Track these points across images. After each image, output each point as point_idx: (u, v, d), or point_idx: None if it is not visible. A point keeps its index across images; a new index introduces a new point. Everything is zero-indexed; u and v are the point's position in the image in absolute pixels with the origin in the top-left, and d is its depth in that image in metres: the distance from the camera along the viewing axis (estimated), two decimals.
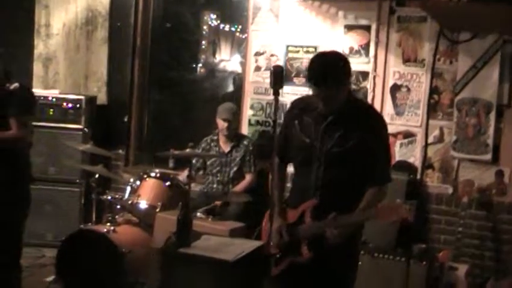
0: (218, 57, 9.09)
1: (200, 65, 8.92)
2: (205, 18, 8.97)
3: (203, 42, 9.07)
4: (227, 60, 9.05)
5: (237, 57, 9.13)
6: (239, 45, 9.13)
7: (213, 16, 8.95)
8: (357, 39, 5.44)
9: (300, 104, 3.38)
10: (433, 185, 5.20)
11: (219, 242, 3.06)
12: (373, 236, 4.97)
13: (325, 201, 3.11)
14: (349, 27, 5.47)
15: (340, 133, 3.10)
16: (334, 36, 5.49)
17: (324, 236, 3.04)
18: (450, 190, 5.15)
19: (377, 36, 5.36)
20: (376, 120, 3.27)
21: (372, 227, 5.00)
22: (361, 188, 3.18)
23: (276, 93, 2.96)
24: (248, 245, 2.99)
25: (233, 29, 8.99)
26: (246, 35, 6.09)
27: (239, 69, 8.95)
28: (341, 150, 3.10)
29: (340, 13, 5.48)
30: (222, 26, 8.97)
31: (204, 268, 2.78)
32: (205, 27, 8.98)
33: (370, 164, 3.13)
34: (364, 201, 3.13)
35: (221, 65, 9.09)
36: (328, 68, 3.03)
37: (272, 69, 2.98)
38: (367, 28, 5.40)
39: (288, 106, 3.55)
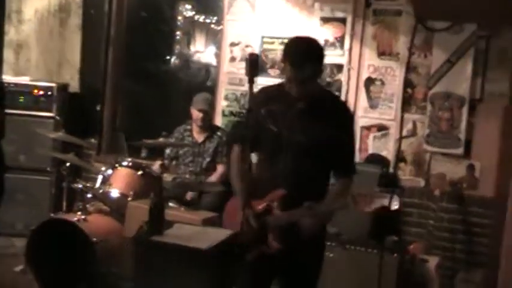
0: (193, 48, 9.03)
1: (175, 55, 8.85)
2: (180, 8, 8.90)
3: (178, 33, 8.99)
4: (202, 51, 8.99)
5: (212, 49, 9.07)
6: (214, 36, 9.08)
7: (188, 7, 8.88)
8: (333, 31, 5.44)
9: (267, 92, 3.32)
10: (406, 178, 5.22)
11: (192, 230, 3.04)
12: (345, 228, 4.99)
13: (292, 192, 3.05)
14: (325, 20, 5.47)
15: (309, 123, 3.07)
16: (309, 28, 5.48)
17: (292, 227, 3.01)
18: (422, 183, 5.19)
19: (352, 29, 5.37)
20: (344, 111, 3.29)
21: (345, 219, 5.06)
22: (326, 179, 3.21)
23: (251, 82, 2.93)
24: (221, 234, 2.97)
25: (208, 20, 8.92)
26: (221, 26, 6.07)
27: (213, 61, 8.90)
28: (310, 140, 3.07)
29: (316, 5, 5.48)
30: (197, 17, 8.91)
31: (177, 256, 2.75)
32: (180, 17, 8.90)
33: (338, 156, 3.13)
34: (335, 191, 3.14)
35: (196, 56, 9.03)
36: (311, 49, 3.03)
37: (247, 57, 2.95)
38: (343, 21, 5.40)
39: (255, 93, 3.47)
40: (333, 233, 4.96)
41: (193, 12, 8.91)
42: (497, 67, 4.95)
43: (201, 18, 8.99)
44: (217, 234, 2.96)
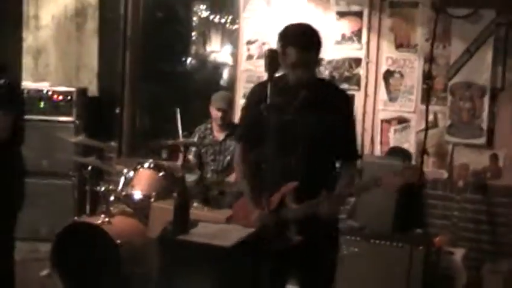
0: (209, 48, 9.05)
1: (191, 56, 8.87)
2: (195, 9, 8.92)
3: (193, 33, 9.02)
4: (217, 51, 9.01)
5: (228, 49, 9.09)
6: (229, 36, 9.08)
7: (203, 7, 8.90)
8: (349, 25, 5.42)
9: (264, 87, 3.21)
10: (428, 170, 5.17)
11: (217, 228, 3.03)
12: (369, 222, 4.97)
13: (304, 183, 3.03)
14: (341, 14, 5.44)
15: (313, 112, 3.06)
16: (326, 22, 5.45)
17: (310, 218, 2.99)
18: (445, 175, 5.14)
19: (369, 22, 5.34)
20: (343, 96, 3.31)
21: (368, 212, 5.05)
22: (333, 166, 3.24)
23: (270, 77, 2.93)
24: (245, 231, 2.96)
25: (223, 20, 8.94)
26: (236, 25, 6.07)
27: (229, 61, 8.91)
28: (317, 128, 3.06)
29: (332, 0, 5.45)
30: (212, 16, 8.92)
31: (201, 254, 2.75)
32: (195, 18, 8.93)
33: (342, 141, 3.17)
34: (346, 176, 3.15)
35: (212, 57, 9.05)
36: (314, 32, 3.05)
37: (266, 52, 2.94)
38: (359, 14, 5.37)
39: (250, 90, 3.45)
40: (357, 227, 4.95)
41: (208, 12, 8.93)
42: None
43: (216, 18, 9.02)
44: (242, 232, 2.95)
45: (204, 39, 9.05)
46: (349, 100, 3.35)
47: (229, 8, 8.00)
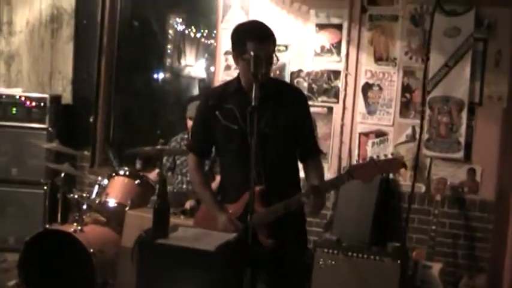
0: (183, 62, 9.00)
1: (165, 69, 8.83)
2: (171, 22, 8.89)
3: (169, 46, 8.98)
4: (192, 65, 8.97)
5: (202, 63, 9.06)
6: (204, 50, 9.06)
7: (179, 20, 8.87)
8: (329, 37, 5.40)
9: (215, 94, 3.26)
10: (406, 184, 5.16)
11: (197, 232, 2.95)
12: (345, 234, 4.94)
13: (269, 185, 3.03)
14: (321, 26, 5.42)
15: (268, 112, 3.01)
16: (305, 34, 5.44)
17: (279, 221, 2.99)
18: (423, 189, 5.12)
19: (349, 34, 5.33)
20: (298, 94, 3.33)
21: (344, 224, 5.01)
22: (295, 165, 3.24)
23: (256, 78, 2.88)
24: (226, 236, 2.88)
25: (198, 35, 8.92)
26: (211, 40, 6.01)
27: (204, 75, 8.88)
28: (273, 130, 3.04)
29: (312, 11, 5.44)
30: (187, 30, 8.90)
31: (183, 259, 2.66)
32: (170, 31, 8.90)
33: (302, 139, 3.19)
34: (314, 173, 3.16)
35: (186, 70, 9.01)
36: (268, 26, 3.09)
37: (252, 53, 2.90)
38: (339, 27, 5.36)
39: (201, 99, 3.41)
40: (334, 240, 4.90)
41: (184, 27, 8.89)
42: (495, 70, 4.91)
43: (192, 32, 8.98)
44: (222, 236, 2.87)
45: (179, 52, 9.01)
46: (304, 97, 3.34)
47: (205, 21, 7.98)
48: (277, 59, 3.12)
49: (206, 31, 8.52)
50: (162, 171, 4.63)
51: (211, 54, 7.92)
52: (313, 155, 3.24)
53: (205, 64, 8.99)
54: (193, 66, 9.01)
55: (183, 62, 9.01)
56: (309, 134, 3.26)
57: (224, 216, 3.12)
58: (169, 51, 9.01)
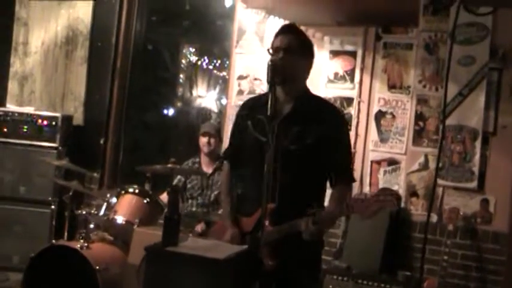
0: (195, 93, 9.06)
1: (177, 98, 8.88)
2: (185, 51, 8.97)
3: (181, 76, 9.05)
4: (203, 96, 9.02)
5: (213, 95, 9.11)
6: (216, 82, 9.12)
7: (192, 49, 8.94)
8: (342, 64, 5.41)
9: (250, 103, 3.23)
10: (418, 213, 5.08)
11: (207, 243, 2.89)
12: (356, 262, 4.85)
13: (283, 205, 2.86)
14: (335, 53, 5.43)
15: (298, 129, 2.94)
16: (319, 61, 5.42)
17: (288, 242, 2.86)
18: (435, 218, 5.04)
19: (362, 62, 5.33)
20: (335, 115, 3.15)
21: (354, 252, 4.93)
22: (319, 187, 3.06)
23: (273, 88, 2.86)
24: (236, 247, 2.82)
25: (211, 66, 8.99)
26: (223, 72, 6.03)
27: (214, 107, 8.91)
28: (299, 148, 2.93)
29: (326, 38, 5.45)
30: (200, 61, 8.96)
31: (192, 267, 2.60)
32: (183, 60, 8.97)
33: (331, 163, 3.00)
34: (334, 199, 2.99)
35: (197, 102, 9.06)
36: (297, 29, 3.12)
37: (269, 62, 2.89)
38: (353, 54, 5.37)
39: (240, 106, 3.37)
40: (344, 268, 4.82)
41: (197, 58, 8.96)
42: (509, 100, 4.87)
43: (204, 63, 9.05)
44: (233, 248, 2.81)
45: (191, 84, 9.07)
46: (343, 118, 3.22)
47: (218, 50, 8.03)
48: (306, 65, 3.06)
49: (219, 61, 8.58)
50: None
51: (222, 86, 7.97)
52: (341, 181, 3.05)
53: (217, 96, 9.04)
54: (205, 97, 9.06)
55: (194, 93, 9.07)
56: (339, 158, 3.06)
57: (230, 232, 3.06)
58: (181, 80, 9.07)
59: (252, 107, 3.13)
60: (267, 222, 2.88)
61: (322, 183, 3.10)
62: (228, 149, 3.33)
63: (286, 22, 3.20)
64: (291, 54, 2.99)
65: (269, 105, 2.83)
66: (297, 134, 2.94)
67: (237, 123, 3.23)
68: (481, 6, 3.73)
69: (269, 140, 2.85)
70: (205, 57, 8.79)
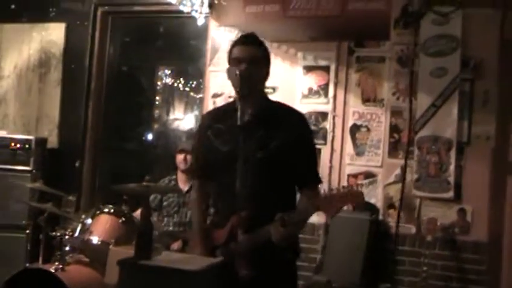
0: (172, 115, 9.02)
1: (154, 121, 8.82)
2: (160, 73, 8.94)
3: (157, 98, 9.01)
4: (181, 119, 8.98)
5: (191, 117, 9.08)
6: (193, 104, 9.10)
7: (168, 72, 8.92)
8: (316, 79, 5.43)
9: (211, 114, 3.22)
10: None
11: (182, 256, 2.86)
12: (336, 276, 4.82)
13: (255, 212, 2.81)
14: (309, 68, 5.46)
15: (261, 135, 2.89)
16: (293, 76, 5.47)
17: (262, 251, 2.81)
18: (413, 230, 5.04)
19: (336, 76, 5.36)
20: (298, 119, 3.10)
21: (335, 266, 4.90)
22: (291, 193, 3.03)
23: (243, 97, 2.85)
24: (211, 260, 2.78)
25: (187, 88, 8.96)
26: (200, 94, 6.04)
27: (192, 128, 8.85)
28: (265, 154, 2.88)
29: (299, 54, 5.48)
30: (176, 83, 8.93)
31: (167, 279, 2.55)
32: (159, 82, 8.94)
33: (297, 167, 2.96)
34: (302, 203, 2.95)
35: (175, 124, 9.01)
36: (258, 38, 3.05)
37: (237, 73, 2.87)
38: (326, 69, 5.40)
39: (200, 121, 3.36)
40: (324, 282, 4.78)
41: (173, 80, 8.94)
42: (482, 110, 4.92)
43: (180, 85, 9.02)
44: (208, 260, 2.77)
45: (168, 106, 9.03)
46: (305, 121, 3.14)
47: (194, 70, 8.00)
48: (267, 74, 3.05)
49: (194, 83, 8.56)
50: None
51: (200, 109, 7.93)
52: (308, 184, 3.02)
53: (194, 118, 9.00)
54: (182, 119, 9.02)
55: (171, 116, 9.03)
56: (304, 161, 3.02)
57: (199, 248, 3.01)
58: (157, 102, 9.03)
59: (214, 119, 3.10)
60: (240, 232, 2.85)
61: (292, 187, 3.06)
62: (194, 165, 3.30)
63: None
64: (255, 64, 2.97)
65: (238, 115, 2.82)
66: (261, 141, 2.90)
67: (199, 136, 3.18)
68: None
69: (232, 149, 2.87)
70: (181, 79, 8.77)
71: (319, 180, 3.10)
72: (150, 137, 8.53)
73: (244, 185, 2.81)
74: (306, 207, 2.87)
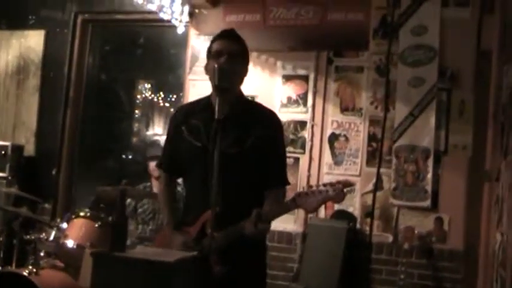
0: (151, 130, 9.00)
1: (133, 134, 8.79)
2: (140, 87, 8.93)
3: (136, 111, 8.99)
4: (160, 134, 8.96)
5: None
6: None
7: (147, 86, 8.91)
8: (295, 88, 5.46)
9: (184, 108, 3.19)
10: (374, 234, 5.07)
11: (156, 250, 2.82)
12: (313, 284, 4.80)
13: (225, 210, 2.77)
14: (288, 77, 5.49)
15: (235, 132, 2.89)
16: (272, 85, 5.49)
17: (235, 247, 2.80)
18: (390, 238, 5.04)
19: (315, 85, 5.39)
20: (270, 117, 3.08)
21: (312, 274, 4.88)
22: (259, 193, 2.97)
23: (221, 92, 2.83)
24: (185, 253, 2.75)
25: (167, 104, 8.96)
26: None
27: None
28: (238, 151, 2.87)
29: (279, 63, 5.51)
30: (156, 97, 8.92)
31: (141, 271, 2.52)
32: (139, 96, 8.93)
33: (267, 166, 2.94)
34: (270, 201, 2.91)
35: (154, 138, 8.99)
36: (237, 34, 3.03)
37: (216, 66, 2.86)
38: (305, 78, 5.43)
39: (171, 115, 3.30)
40: None
41: (152, 95, 8.93)
42: (459, 119, 4.96)
43: (160, 99, 9.01)
44: (182, 253, 2.74)
45: (147, 121, 9.01)
46: (279, 124, 3.11)
47: (173, 86, 7.99)
48: (245, 71, 3.05)
49: (174, 96, 8.55)
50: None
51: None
52: (276, 185, 2.99)
53: None
54: (162, 135, 8.99)
55: (151, 130, 9.00)
56: (274, 161, 3.00)
57: (179, 239, 2.96)
58: (136, 115, 9.00)
59: (187, 113, 3.08)
60: (210, 228, 2.80)
61: (260, 187, 3.01)
62: (162, 157, 3.24)
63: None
64: (235, 58, 2.96)
65: (216, 110, 2.79)
66: (234, 138, 2.89)
67: (171, 131, 3.16)
68: None
69: (205, 144, 2.87)
70: (161, 93, 8.76)
71: (287, 182, 3.07)
72: (128, 147, 8.48)
73: (216, 181, 2.75)
74: (281, 204, 2.86)
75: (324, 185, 2.78)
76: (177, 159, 3.07)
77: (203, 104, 3.05)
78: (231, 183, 2.85)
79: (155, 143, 7.98)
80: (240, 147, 2.89)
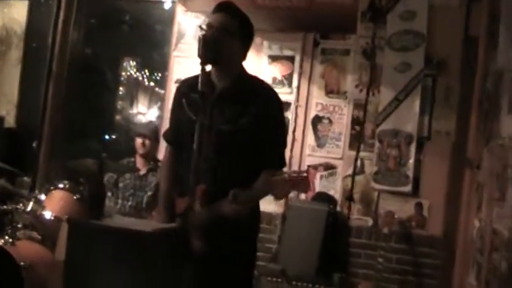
0: (135, 109, 8.92)
1: (117, 112, 8.70)
2: (125, 64, 8.83)
3: (121, 88, 8.90)
4: (144, 113, 8.90)
5: (154, 112, 9.00)
6: (157, 99, 9.01)
7: (133, 63, 8.82)
8: (281, 69, 5.43)
9: (186, 82, 3.11)
10: (354, 217, 5.07)
11: (133, 220, 2.79)
12: (292, 265, 4.79)
13: (215, 187, 2.75)
14: (274, 58, 5.46)
15: (232, 109, 2.82)
16: (258, 65, 5.44)
17: (216, 224, 2.75)
18: (370, 222, 5.05)
19: (301, 67, 5.37)
20: (269, 94, 2.97)
21: (290, 255, 4.88)
22: (253, 173, 2.82)
23: (203, 63, 2.79)
24: (164, 225, 2.73)
25: (152, 83, 8.88)
26: (163, 90, 6.00)
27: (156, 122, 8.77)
28: (232, 129, 2.81)
29: (265, 43, 5.48)
30: (141, 75, 8.84)
31: (117, 240, 2.48)
32: (124, 74, 8.84)
33: (263, 146, 2.85)
34: (259, 181, 2.76)
35: (138, 117, 8.92)
36: (234, 7, 2.92)
37: (201, 37, 2.81)
38: (291, 59, 5.40)
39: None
40: (279, 270, 4.74)
41: (138, 74, 8.84)
42: (443, 105, 4.96)
43: (145, 77, 8.92)
44: (160, 225, 2.72)
45: (132, 99, 8.93)
46: (280, 104, 3.00)
47: (158, 65, 7.91)
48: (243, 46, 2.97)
49: (159, 75, 8.47)
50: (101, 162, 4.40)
51: (162, 105, 7.87)
52: (269, 166, 2.79)
53: (158, 113, 8.92)
54: (146, 114, 8.93)
55: (135, 109, 8.93)
56: (271, 143, 2.89)
57: (162, 215, 2.95)
58: (121, 93, 8.92)
59: (189, 86, 3.00)
60: (198, 204, 2.78)
61: (254, 167, 2.88)
62: (168, 131, 3.18)
63: None
64: (224, 33, 2.88)
65: (199, 82, 2.76)
66: (230, 114, 2.83)
67: (173, 102, 3.11)
68: None
69: (200, 119, 2.77)
70: (146, 71, 8.67)
71: (282, 164, 2.97)
72: (110, 127, 8.40)
73: (207, 158, 2.75)
74: (259, 187, 2.76)
75: (294, 172, 2.73)
76: (178, 131, 3.02)
77: (205, 77, 2.92)
78: (223, 160, 2.81)
79: (139, 121, 7.95)
80: (235, 124, 2.82)
